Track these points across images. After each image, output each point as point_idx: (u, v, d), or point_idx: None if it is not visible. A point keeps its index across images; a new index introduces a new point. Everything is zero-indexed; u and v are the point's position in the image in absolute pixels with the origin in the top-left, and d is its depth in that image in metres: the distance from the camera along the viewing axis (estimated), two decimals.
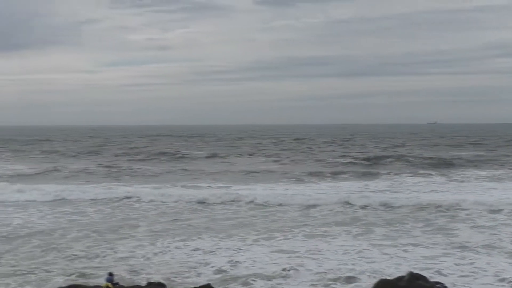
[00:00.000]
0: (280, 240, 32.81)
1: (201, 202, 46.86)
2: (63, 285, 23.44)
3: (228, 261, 27.83)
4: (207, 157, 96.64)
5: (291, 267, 26.24)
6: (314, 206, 44.32)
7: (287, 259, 28.09)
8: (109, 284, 22.65)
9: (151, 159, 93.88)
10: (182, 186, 57.33)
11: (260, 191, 52.65)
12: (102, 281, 23.56)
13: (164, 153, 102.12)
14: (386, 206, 43.65)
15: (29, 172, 73.13)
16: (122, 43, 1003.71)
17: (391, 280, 22.29)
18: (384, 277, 23.50)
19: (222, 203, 46.38)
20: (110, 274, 23.45)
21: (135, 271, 26.72)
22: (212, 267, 27.16)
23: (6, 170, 74.85)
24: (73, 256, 29.49)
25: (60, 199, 49.32)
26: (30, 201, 48.70)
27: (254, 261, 27.85)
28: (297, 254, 29.10)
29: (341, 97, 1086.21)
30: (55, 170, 74.20)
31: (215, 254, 29.56)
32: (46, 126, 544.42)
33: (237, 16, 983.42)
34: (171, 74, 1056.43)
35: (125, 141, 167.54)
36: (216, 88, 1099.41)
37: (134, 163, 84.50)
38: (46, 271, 26.76)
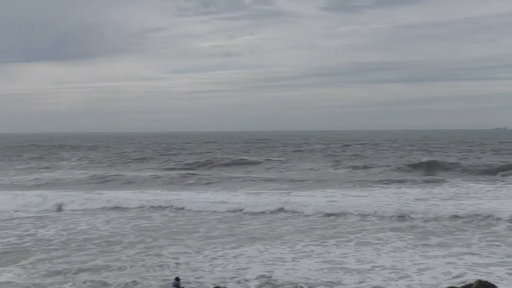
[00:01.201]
0: (331, 247, 32.99)
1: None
2: None
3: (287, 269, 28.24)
4: (281, 162, 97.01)
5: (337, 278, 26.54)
6: (372, 213, 43.89)
7: (335, 267, 28.37)
8: None
9: (238, 164, 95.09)
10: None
11: (320, 198, 52.91)
12: (171, 286, 24.30)
13: (244, 160, 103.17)
14: (448, 213, 42.85)
15: (108, 177, 75.33)
16: (188, 51, 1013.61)
17: None
18: (450, 286, 23.58)
19: (280, 210, 46.60)
20: (177, 279, 24.15)
21: (201, 276, 27.28)
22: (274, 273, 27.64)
23: (81, 175, 77.40)
24: (132, 262, 30.27)
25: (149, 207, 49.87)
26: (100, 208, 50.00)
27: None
28: (346, 263, 29.24)
29: (407, 102, 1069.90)
30: (153, 176, 75.94)
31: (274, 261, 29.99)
32: (115, 133, 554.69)
33: (302, 22, 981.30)
34: (236, 80, 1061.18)
35: (196, 146, 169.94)
36: (280, 94, 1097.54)
37: (220, 170, 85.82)
38: (104, 276, 27.58)
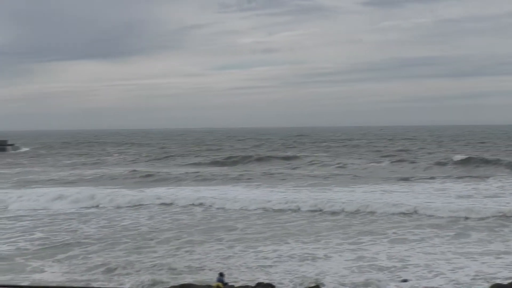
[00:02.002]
0: (366, 244, 32.80)
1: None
2: (175, 284, 24.51)
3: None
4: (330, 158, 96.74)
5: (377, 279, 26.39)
6: (411, 209, 43.34)
7: (366, 265, 28.25)
8: (220, 284, 23.43)
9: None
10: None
11: (360, 193, 52.73)
12: (213, 281, 24.46)
13: (286, 156, 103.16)
14: (491, 210, 41.92)
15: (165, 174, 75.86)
16: (229, 47, 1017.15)
17: (505, 285, 22.10)
18: (497, 282, 23.35)
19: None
20: (221, 275, 24.27)
21: (243, 272, 27.46)
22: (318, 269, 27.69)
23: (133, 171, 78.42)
24: (163, 258, 30.49)
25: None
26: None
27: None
28: (378, 260, 29.07)
29: (451, 97, 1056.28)
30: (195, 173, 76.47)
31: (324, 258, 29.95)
32: (156, 129, 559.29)
33: (343, 18, 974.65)
34: (277, 76, 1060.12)
35: (238, 142, 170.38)
36: (321, 90, 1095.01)
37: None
38: (150, 272, 27.89)
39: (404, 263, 28.17)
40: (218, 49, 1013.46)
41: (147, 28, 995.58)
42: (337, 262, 28.83)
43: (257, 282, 24.41)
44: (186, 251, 31.87)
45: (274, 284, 24.03)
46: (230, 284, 23.95)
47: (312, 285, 23.88)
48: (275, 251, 31.49)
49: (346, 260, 29.21)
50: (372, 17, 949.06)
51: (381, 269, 27.29)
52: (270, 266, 28.47)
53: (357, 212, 43.23)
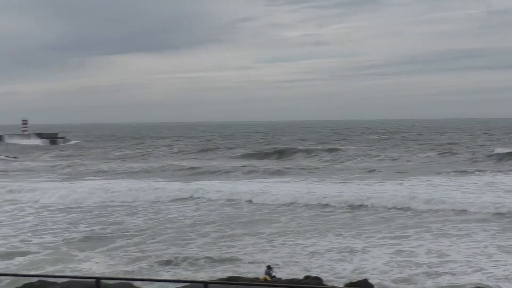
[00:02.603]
0: (408, 239, 32.58)
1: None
2: (223, 277, 24.72)
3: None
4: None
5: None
6: (459, 203, 42.50)
7: (404, 260, 28.11)
8: (267, 277, 23.59)
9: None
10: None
11: (406, 187, 52.29)
12: (260, 273, 24.61)
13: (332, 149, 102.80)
14: None
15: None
16: (278, 40, 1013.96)
17: None
18: None
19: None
20: (269, 267, 24.43)
21: (290, 266, 27.60)
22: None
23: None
24: (202, 251, 30.80)
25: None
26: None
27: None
28: (416, 255, 28.90)
29: (501, 90, 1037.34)
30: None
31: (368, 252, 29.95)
32: (205, 122, 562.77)
33: (391, 10, 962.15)
34: (326, 69, 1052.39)
35: (287, 134, 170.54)
36: (369, 83, 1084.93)
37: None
38: (195, 264, 28.29)
39: (443, 259, 27.97)
40: (267, 42, 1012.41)
41: (197, 21, 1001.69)
42: (376, 256, 28.81)
43: (304, 275, 24.45)
44: (226, 244, 32.25)
45: (321, 278, 24.03)
46: (277, 277, 24.06)
47: (359, 279, 23.78)
48: (316, 244, 31.59)
49: (385, 254, 29.22)
50: (419, 9, 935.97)
51: (418, 264, 27.14)
52: (312, 259, 28.62)
53: (402, 206, 42.70)
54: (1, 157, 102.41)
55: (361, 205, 43.71)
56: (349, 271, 26.37)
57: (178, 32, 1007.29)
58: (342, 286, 22.60)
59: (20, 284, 21.12)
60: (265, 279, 23.23)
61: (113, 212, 44.23)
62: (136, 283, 21.46)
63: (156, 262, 28.50)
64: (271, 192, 50.00)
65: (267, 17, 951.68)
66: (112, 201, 49.09)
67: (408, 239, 32.50)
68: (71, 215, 42.99)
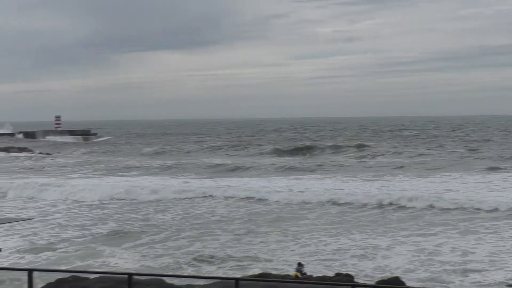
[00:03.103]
0: (434, 236, 32.39)
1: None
2: (253, 273, 24.73)
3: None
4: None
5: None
6: (491, 200, 41.97)
7: (426, 258, 27.94)
8: (299, 274, 23.54)
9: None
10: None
11: (438, 183, 51.99)
12: (291, 270, 24.57)
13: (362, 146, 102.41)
14: None
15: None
16: (309, 36, 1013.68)
17: None
18: None
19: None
20: (300, 264, 24.38)
21: (321, 262, 27.64)
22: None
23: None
24: (225, 247, 31.00)
25: None
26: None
27: None
28: (440, 253, 28.64)
29: None
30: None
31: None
32: (235, 119, 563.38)
33: (423, 6, 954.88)
34: (358, 66, 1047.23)
35: (320, 131, 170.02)
36: (402, 80, 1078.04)
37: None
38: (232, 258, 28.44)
39: (467, 257, 27.77)
40: (298, 39, 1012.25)
41: (227, 18, 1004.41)
42: (400, 254, 28.76)
43: (335, 272, 24.37)
44: (250, 241, 32.45)
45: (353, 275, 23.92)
46: (308, 274, 24.00)
47: (391, 276, 23.63)
48: (340, 242, 31.63)
49: (408, 251, 29.16)
50: (451, 5, 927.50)
51: (442, 262, 27.00)
52: (335, 256, 28.71)
53: (430, 203, 42.14)
54: (35, 153, 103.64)
55: (390, 203, 43.03)
56: (370, 269, 26.37)
57: (210, 29, 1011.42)
58: (373, 283, 22.47)
59: (53, 279, 21.33)
60: (296, 276, 23.20)
61: (142, 208, 44.65)
62: (167, 279, 21.53)
63: (180, 258, 28.79)
64: (300, 189, 49.94)
65: (297, 13, 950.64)
66: (142, 198, 49.29)
67: (434, 236, 32.33)
68: (102, 211, 43.58)
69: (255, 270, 25.75)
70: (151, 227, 36.99)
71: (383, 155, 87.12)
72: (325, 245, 31.13)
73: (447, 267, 26.16)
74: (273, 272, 24.74)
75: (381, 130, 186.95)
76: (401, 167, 68.71)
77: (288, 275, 23.52)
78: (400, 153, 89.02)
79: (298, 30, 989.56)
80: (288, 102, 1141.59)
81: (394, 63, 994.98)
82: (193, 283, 21.80)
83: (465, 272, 25.35)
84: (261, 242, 32.12)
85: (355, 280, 22.99)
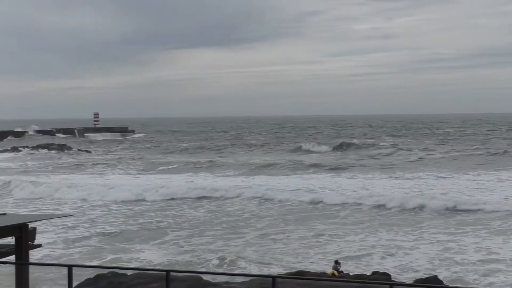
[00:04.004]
0: (463, 235, 32.18)
1: None
2: (291, 271, 24.75)
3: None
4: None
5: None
6: None
7: (448, 257, 27.86)
8: (335, 272, 23.52)
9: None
10: None
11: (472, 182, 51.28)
12: (328, 268, 24.54)
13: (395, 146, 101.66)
14: None
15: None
16: (346, 33, 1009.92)
17: None
18: None
19: None
20: (336, 262, 24.36)
21: (357, 260, 27.67)
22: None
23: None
24: (247, 245, 31.27)
25: None
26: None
27: None
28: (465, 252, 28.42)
29: None
30: None
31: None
32: (272, 116, 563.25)
33: (462, 2, 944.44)
34: (395, 63, 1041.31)
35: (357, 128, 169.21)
36: (440, 77, 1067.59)
37: None
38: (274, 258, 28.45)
39: (490, 257, 27.63)
40: (335, 36, 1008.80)
41: (266, 15, 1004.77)
42: (423, 252, 28.72)
43: (372, 271, 24.29)
44: (274, 239, 32.68)
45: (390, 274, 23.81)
46: (345, 272, 23.96)
47: (429, 275, 23.45)
48: (365, 240, 31.70)
49: (431, 250, 29.11)
50: (493, 1, 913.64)
51: (461, 262, 26.90)
52: (360, 254, 28.77)
53: (463, 202, 41.43)
54: (74, 150, 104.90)
55: (422, 205, 41.40)
56: (392, 267, 26.32)
57: (248, 26, 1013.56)
58: (411, 282, 22.31)
59: (92, 275, 21.62)
60: (333, 274, 23.16)
61: (176, 205, 45.05)
62: (204, 276, 21.65)
63: (203, 254, 29.24)
64: (333, 187, 49.96)
65: (335, 10, 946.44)
66: (177, 194, 49.12)
67: (462, 235, 32.18)
68: (137, 208, 44.24)
69: (277, 269, 25.96)
70: (180, 223, 37.57)
71: (422, 152, 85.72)
72: (346, 243, 31.29)
73: (468, 267, 26.19)
74: (291, 270, 24.81)
75: (420, 127, 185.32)
76: (440, 164, 68.06)
77: (325, 273, 23.51)
78: (438, 150, 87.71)
79: (335, 27, 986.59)
80: (324, 99, 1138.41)
81: (433, 59, 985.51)
82: (230, 280, 21.89)
83: (484, 272, 25.24)
84: (284, 240, 32.38)
85: (393, 279, 22.86)
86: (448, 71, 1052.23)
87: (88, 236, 33.62)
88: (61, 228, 35.29)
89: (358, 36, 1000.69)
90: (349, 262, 27.08)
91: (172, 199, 47.67)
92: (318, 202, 44.12)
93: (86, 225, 37.01)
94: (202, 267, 26.64)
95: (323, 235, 33.32)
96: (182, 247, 31.12)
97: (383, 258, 28.23)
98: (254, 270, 26.02)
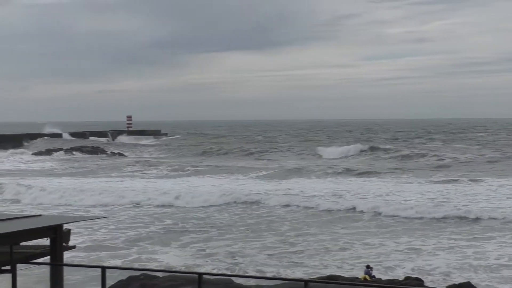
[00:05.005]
0: (485, 241, 31.98)
1: None
2: (322, 275, 24.71)
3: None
4: None
5: None
6: None
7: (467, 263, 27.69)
8: (367, 276, 23.44)
9: None
10: None
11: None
12: (359, 273, 24.45)
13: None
14: None
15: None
16: (379, 37, 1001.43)
17: None
18: None
19: None
20: (368, 267, 24.27)
21: (390, 266, 27.56)
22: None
23: None
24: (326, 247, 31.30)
25: None
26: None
27: None
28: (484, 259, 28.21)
29: None
30: None
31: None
32: (305, 120, 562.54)
33: (498, 5, 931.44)
34: (429, 67, 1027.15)
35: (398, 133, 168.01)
36: (476, 81, 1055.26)
37: None
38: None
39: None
40: (369, 39, 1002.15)
41: (299, 18, 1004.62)
42: (442, 258, 28.61)
43: (405, 276, 24.16)
44: (292, 242, 32.85)
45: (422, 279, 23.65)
46: (377, 277, 23.86)
47: (462, 282, 23.23)
48: (383, 245, 31.65)
49: (450, 254, 29.09)
50: None
51: (475, 268, 26.82)
52: (378, 259, 28.57)
53: (493, 208, 40.57)
54: (107, 153, 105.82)
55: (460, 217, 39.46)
56: (403, 273, 26.17)
57: (282, 30, 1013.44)
58: None
59: (124, 277, 21.78)
60: (365, 279, 23.07)
61: (202, 208, 44.96)
62: (235, 279, 21.70)
63: (222, 257, 29.61)
64: (357, 191, 49.99)
65: (369, 14, 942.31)
66: (207, 199, 48.36)
67: (484, 241, 32.05)
68: (165, 210, 44.49)
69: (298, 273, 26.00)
70: (205, 226, 37.90)
71: (455, 157, 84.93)
72: (362, 248, 31.25)
73: (475, 273, 25.98)
74: (343, 274, 24.68)
75: (455, 131, 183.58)
76: (473, 170, 67.61)
77: (357, 278, 23.42)
78: (474, 155, 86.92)
79: (368, 31, 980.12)
80: (358, 103, 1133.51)
81: (468, 63, 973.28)
82: (261, 284, 21.91)
83: (498, 279, 25.12)
84: (301, 243, 32.55)
85: (425, 284, 22.69)
86: (483, 75, 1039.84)
87: (115, 238, 34.10)
88: (97, 231, 35.79)
89: (392, 39, 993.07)
90: (377, 267, 27.00)
91: (201, 200, 47.38)
92: (350, 209, 43.49)
93: (115, 227, 37.47)
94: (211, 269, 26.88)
95: (342, 238, 33.48)
96: (204, 250, 31.46)
97: (411, 261, 28.21)
98: (283, 274, 26.08)
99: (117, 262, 28.20)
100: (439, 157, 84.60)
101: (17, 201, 49.23)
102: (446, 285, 23.01)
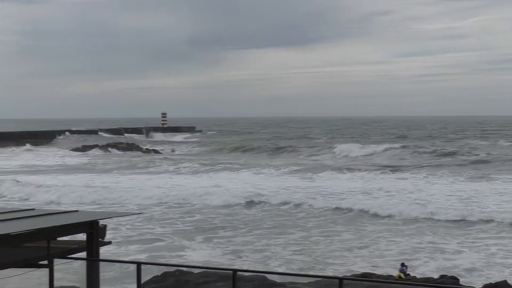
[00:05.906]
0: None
1: None
2: (357, 272, 24.66)
3: None
4: None
5: None
6: None
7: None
8: (402, 274, 23.32)
9: None
10: None
11: None
12: (394, 271, 24.32)
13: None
14: None
15: None
16: (414, 33, 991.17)
17: None
18: None
19: None
20: (403, 265, 24.13)
21: (426, 264, 27.38)
22: None
23: None
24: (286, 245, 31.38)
25: None
26: None
27: None
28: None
29: None
30: None
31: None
32: (341, 117, 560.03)
33: None
34: (465, 63, 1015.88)
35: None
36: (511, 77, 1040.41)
37: None
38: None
39: None
40: (405, 36, 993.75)
41: (336, 15, 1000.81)
42: (467, 257, 28.42)
43: (440, 274, 23.99)
44: (317, 240, 32.66)
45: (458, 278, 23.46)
46: (412, 275, 23.74)
47: (499, 280, 22.98)
48: (408, 243, 31.44)
49: (476, 253, 29.02)
50: None
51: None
52: (401, 258, 28.13)
53: None
54: (142, 150, 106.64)
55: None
56: (429, 270, 25.99)
57: (318, 26, 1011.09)
58: (480, 286, 21.91)
59: (159, 272, 21.97)
60: (400, 277, 22.97)
61: (233, 204, 44.75)
62: (269, 276, 21.73)
63: (245, 253, 29.77)
64: (387, 189, 49.87)
65: (406, 10, 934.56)
66: (238, 194, 48.22)
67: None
68: (195, 207, 44.16)
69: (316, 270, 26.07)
70: (233, 223, 37.81)
71: (492, 155, 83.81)
72: (385, 245, 31.13)
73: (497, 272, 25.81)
74: (377, 272, 24.60)
75: (496, 128, 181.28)
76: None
77: (391, 276, 23.32)
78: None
79: (403, 27, 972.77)
80: (394, 100, 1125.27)
81: (505, 60, 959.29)
82: (296, 281, 21.91)
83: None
84: (325, 241, 32.35)
85: (461, 283, 22.49)
86: None
87: (155, 234, 34.30)
88: (132, 226, 36.05)
89: (427, 36, 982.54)
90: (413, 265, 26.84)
91: (231, 199, 46.57)
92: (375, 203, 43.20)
93: (147, 222, 37.67)
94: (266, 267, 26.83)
95: (368, 236, 33.36)
96: (228, 247, 31.39)
97: (448, 260, 27.99)
98: (316, 271, 26.12)
99: (150, 258, 28.43)
100: (474, 154, 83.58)
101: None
102: (483, 284, 22.77)
